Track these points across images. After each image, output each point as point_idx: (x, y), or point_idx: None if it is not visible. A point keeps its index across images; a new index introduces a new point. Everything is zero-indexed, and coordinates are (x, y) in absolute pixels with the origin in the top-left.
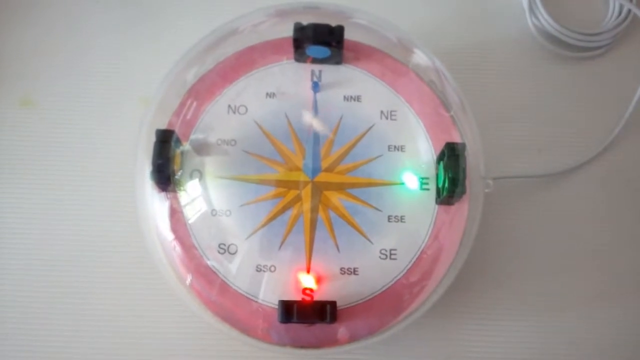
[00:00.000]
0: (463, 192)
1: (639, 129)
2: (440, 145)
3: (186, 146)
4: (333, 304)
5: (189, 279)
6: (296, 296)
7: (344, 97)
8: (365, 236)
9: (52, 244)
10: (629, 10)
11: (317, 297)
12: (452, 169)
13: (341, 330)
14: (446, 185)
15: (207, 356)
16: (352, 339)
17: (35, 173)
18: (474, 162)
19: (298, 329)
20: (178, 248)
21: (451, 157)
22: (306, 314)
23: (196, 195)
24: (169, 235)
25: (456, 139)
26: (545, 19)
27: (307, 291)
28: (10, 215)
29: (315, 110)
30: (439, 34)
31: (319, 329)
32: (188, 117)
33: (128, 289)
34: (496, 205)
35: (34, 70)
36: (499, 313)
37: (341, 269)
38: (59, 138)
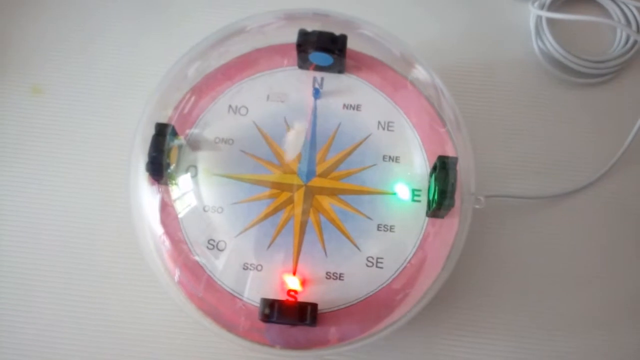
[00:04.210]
0: (451, 205)
1: (636, 159)
2: (435, 159)
3: (182, 140)
4: (314, 306)
5: (176, 273)
6: (280, 297)
7: (344, 105)
8: (353, 243)
9: (44, 230)
10: (635, 42)
11: (301, 300)
12: (442, 180)
13: (322, 333)
14: (435, 197)
15: (191, 351)
16: (333, 343)
17: (36, 159)
18: (466, 178)
19: (280, 330)
20: (167, 242)
21: (442, 169)
22: (286, 314)
23: (189, 190)
24: (159, 229)
25: (451, 153)
26: (550, 43)
27: (292, 293)
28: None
29: (315, 116)
30: (445, 50)
31: (300, 331)
32: (189, 113)
33: (117, 280)
34: (491, 223)
35: (44, 58)
36: (482, 328)
37: (327, 273)
38: (63, 126)
